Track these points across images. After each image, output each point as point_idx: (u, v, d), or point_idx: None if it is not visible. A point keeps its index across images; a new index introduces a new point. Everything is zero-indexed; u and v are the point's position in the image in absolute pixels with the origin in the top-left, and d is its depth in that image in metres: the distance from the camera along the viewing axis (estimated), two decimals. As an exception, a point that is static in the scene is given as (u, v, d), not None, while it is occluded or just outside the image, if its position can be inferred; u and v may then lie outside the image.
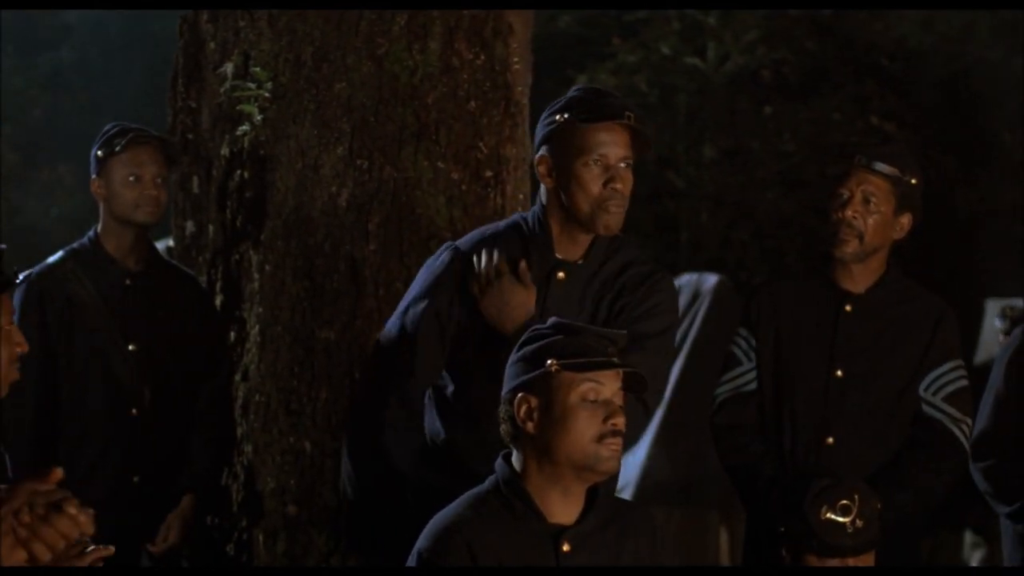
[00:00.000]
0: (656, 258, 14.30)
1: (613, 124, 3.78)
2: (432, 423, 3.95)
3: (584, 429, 3.33)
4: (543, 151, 3.83)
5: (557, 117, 3.81)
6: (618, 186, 3.78)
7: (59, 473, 2.38)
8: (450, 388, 3.92)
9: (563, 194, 3.80)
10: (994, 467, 4.49)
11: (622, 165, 3.79)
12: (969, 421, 4.37)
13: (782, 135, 14.98)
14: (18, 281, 2.79)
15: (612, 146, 3.77)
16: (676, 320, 4.08)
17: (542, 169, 3.84)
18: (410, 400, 3.93)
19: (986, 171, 14.91)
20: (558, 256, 3.86)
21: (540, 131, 3.87)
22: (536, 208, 3.90)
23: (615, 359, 3.37)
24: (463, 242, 3.94)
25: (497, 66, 5.03)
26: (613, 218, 3.79)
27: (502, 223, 4.00)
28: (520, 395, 3.38)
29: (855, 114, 14.90)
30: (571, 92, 3.88)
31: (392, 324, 3.97)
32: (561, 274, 3.85)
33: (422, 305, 3.89)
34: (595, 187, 3.77)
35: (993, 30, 15.10)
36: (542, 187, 3.88)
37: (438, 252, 3.97)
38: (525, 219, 3.93)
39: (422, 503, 3.80)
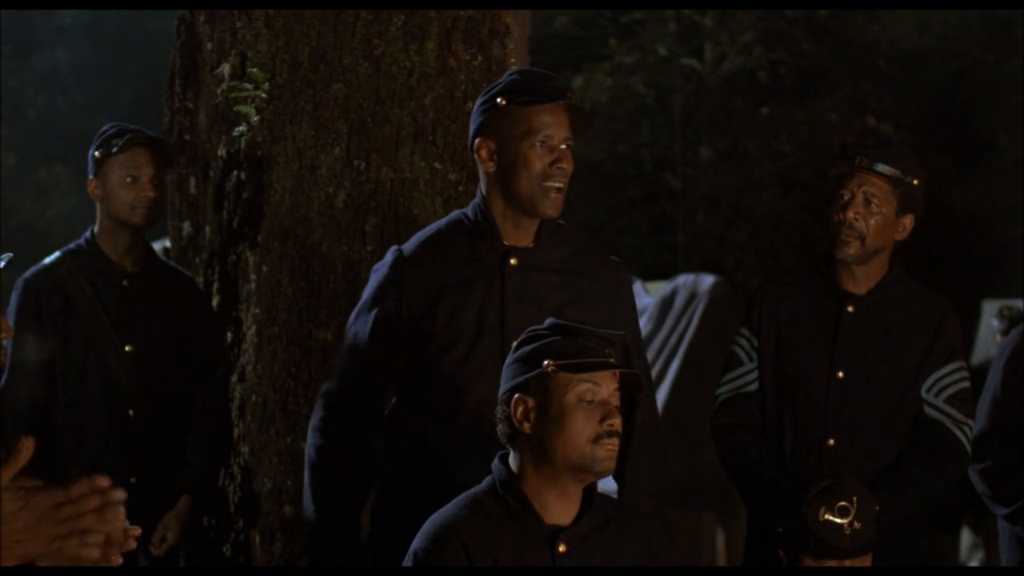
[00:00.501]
0: (653, 259, 14.33)
1: (555, 105, 3.79)
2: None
3: (581, 429, 3.33)
4: (481, 137, 3.83)
5: (498, 101, 3.80)
6: (563, 165, 3.79)
7: (30, 444, 2.33)
8: (413, 390, 3.92)
9: (506, 177, 3.80)
10: (992, 468, 4.48)
11: (564, 147, 3.80)
12: (971, 423, 4.35)
13: (778, 136, 15.00)
14: (1, 266, 2.76)
15: (556, 127, 3.78)
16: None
17: (483, 154, 3.83)
18: (373, 408, 3.92)
19: (982, 172, 14.92)
20: (506, 243, 3.86)
21: (477, 116, 3.85)
22: (477, 200, 3.90)
23: (612, 359, 3.37)
24: (407, 245, 3.93)
25: (494, 67, 5.03)
26: (552, 203, 3.80)
27: (442, 221, 3.99)
28: (517, 396, 3.38)
29: (852, 115, 14.93)
30: (507, 76, 3.87)
31: (347, 332, 3.96)
32: (513, 260, 3.84)
33: (371, 314, 3.89)
34: (539, 165, 3.77)
35: (989, 31, 15.11)
36: (482, 177, 3.87)
37: (384, 258, 3.95)
38: (465, 214, 3.92)
39: (407, 504, 3.81)
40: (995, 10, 14.45)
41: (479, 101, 3.88)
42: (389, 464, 3.93)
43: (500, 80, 3.88)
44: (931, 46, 15.18)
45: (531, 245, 3.86)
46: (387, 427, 3.97)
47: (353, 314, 3.97)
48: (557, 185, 3.79)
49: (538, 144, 3.77)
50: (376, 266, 3.97)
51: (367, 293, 3.94)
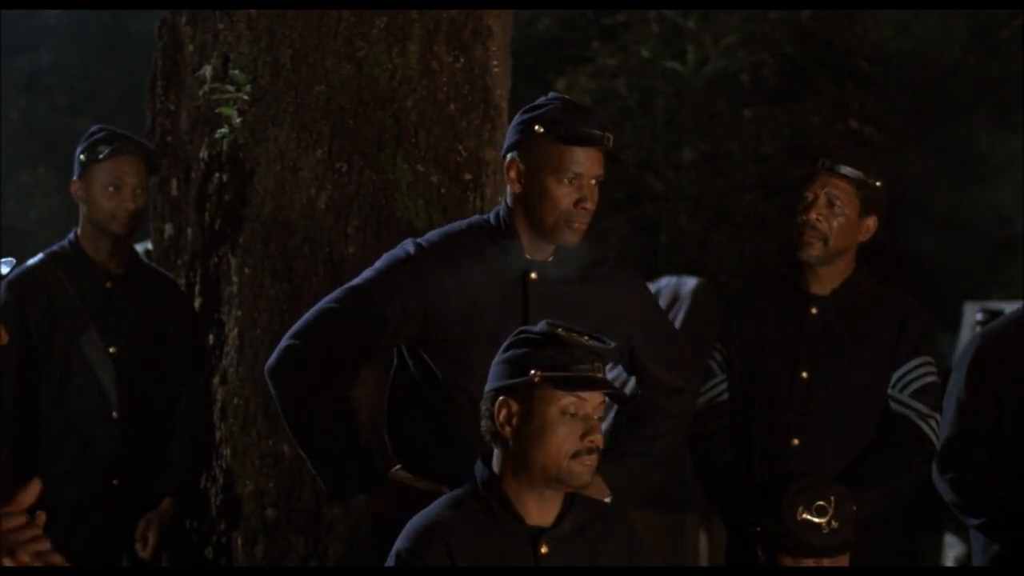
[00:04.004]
0: (636, 260, 14.33)
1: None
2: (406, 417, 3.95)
3: (560, 443, 3.34)
4: (515, 155, 3.82)
5: (536, 128, 3.78)
6: (588, 205, 3.80)
7: (36, 487, 2.31)
8: (419, 395, 3.91)
9: (530, 203, 3.81)
10: (959, 478, 4.50)
11: (592, 182, 3.81)
12: (938, 416, 4.37)
13: (761, 138, 15.01)
14: (4, 271, 2.75)
15: (588, 165, 3.79)
16: None
17: (512, 174, 3.83)
18: (342, 383, 3.89)
19: (964, 175, 14.95)
20: (527, 256, 3.86)
21: (514, 134, 3.84)
22: (501, 210, 3.89)
23: (600, 375, 3.37)
24: (426, 240, 3.90)
25: (476, 69, 5.03)
26: (575, 234, 3.82)
27: (464, 223, 3.97)
28: (501, 398, 3.38)
29: (834, 117, 14.94)
30: (551, 102, 3.84)
31: (337, 296, 3.88)
32: (534, 275, 3.85)
33: (377, 289, 3.83)
34: (565, 202, 3.78)
35: (971, 34, 15.14)
36: (508, 191, 3.87)
37: (400, 245, 3.91)
38: (487, 220, 3.92)
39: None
40: (977, 10, 14.48)
41: (518, 118, 3.86)
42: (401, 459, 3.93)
43: (542, 101, 3.85)
44: (913, 48, 15.21)
45: (550, 259, 3.88)
46: (393, 430, 3.97)
47: (348, 285, 3.88)
48: (579, 222, 3.81)
49: (567, 181, 3.78)
50: (391, 252, 3.91)
51: (377, 268, 3.87)
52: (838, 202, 4.33)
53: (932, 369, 4.40)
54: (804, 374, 4.37)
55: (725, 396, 4.46)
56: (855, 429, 4.36)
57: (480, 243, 3.87)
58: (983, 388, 4.52)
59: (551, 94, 3.89)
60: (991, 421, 4.51)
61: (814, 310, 4.41)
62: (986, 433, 4.51)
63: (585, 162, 3.78)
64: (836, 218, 4.33)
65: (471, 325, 3.81)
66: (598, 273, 3.93)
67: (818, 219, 4.33)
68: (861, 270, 4.45)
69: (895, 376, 4.37)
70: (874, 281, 4.46)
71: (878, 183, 4.37)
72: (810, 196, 4.34)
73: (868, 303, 4.43)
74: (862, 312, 4.41)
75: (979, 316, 9.65)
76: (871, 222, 4.39)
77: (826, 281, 4.41)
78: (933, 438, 4.35)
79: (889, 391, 4.37)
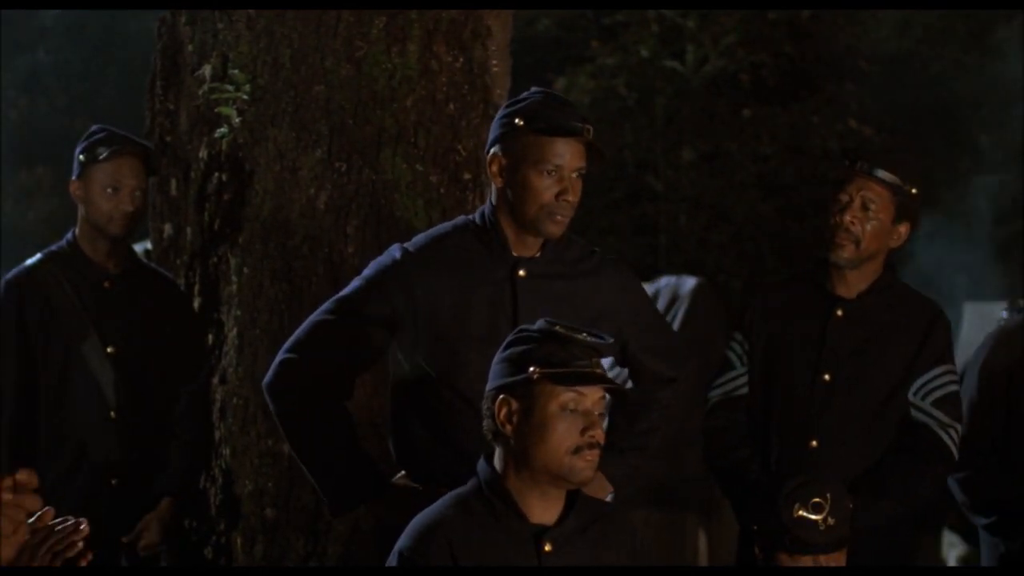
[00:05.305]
0: (635, 260, 14.34)
1: (571, 137, 3.80)
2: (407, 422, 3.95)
3: (561, 439, 3.34)
4: (496, 150, 3.83)
5: (517, 121, 3.80)
6: (569, 198, 3.80)
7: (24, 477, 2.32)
8: (413, 395, 3.91)
9: (511, 196, 3.81)
10: (970, 478, 4.49)
11: (574, 175, 3.81)
12: (958, 426, 4.34)
13: (760, 138, 15.03)
14: None
15: (568, 157, 3.79)
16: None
17: (494, 168, 3.84)
18: (338, 392, 3.90)
19: (964, 174, 14.95)
20: (514, 254, 3.87)
21: (495, 129, 3.86)
22: (487, 208, 3.90)
23: (598, 370, 3.37)
24: (412, 244, 3.92)
25: (476, 69, 5.03)
26: (558, 226, 3.82)
27: (449, 224, 3.98)
28: (501, 396, 3.38)
29: (833, 117, 14.96)
30: (531, 96, 3.86)
31: (328, 306, 3.89)
32: (522, 271, 3.86)
33: (366, 296, 3.84)
34: (546, 195, 3.79)
35: (970, 33, 15.15)
36: (492, 187, 3.88)
37: (387, 251, 3.92)
38: (473, 220, 3.93)
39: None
40: (976, 10, 14.50)
41: (500, 112, 3.88)
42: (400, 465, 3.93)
43: (523, 96, 3.87)
44: (912, 48, 15.23)
45: (537, 255, 3.88)
46: (395, 435, 3.97)
47: (338, 296, 3.90)
48: (560, 215, 3.81)
49: (547, 173, 3.78)
50: (378, 259, 3.92)
51: (365, 276, 3.88)
52: (873, 206, 4.31)
53: (955, 378, 4.38)
54: (826, 376, 4.35)
55: (744, 391, 4.44)
56: (874, 433, 4.34)
57: (466, 243, 3.88)
58: (994, 389, 4.51)
59: (533, 88, 3.91)
60: (1002, 422, 4.51)
61: (839, 312, 4.38)
62: (996, 434, 4.50)
63: (565, 154, 3.78)
64: (870, 222, 4.30)
65: (461, 325, 3.82)
66: (586, 268, 3.94)
67: (852, 222, 4.30)
68: (888, 274, 4.43)
69: (918, 383, 4.35)
70: (901, 286, 4.45)
71: (914, 190, 4.35)
72: (845, 198, 4.32)
73: (894, 308, 4.40)
74: (887, 317, 4.38)
75: (1004, 314, 9.63)
76: (904, 229, 4.37)
77: (853, 284, 4.39)
78: (952, 448, 4.33)
79: (911, 397, 4.35)
